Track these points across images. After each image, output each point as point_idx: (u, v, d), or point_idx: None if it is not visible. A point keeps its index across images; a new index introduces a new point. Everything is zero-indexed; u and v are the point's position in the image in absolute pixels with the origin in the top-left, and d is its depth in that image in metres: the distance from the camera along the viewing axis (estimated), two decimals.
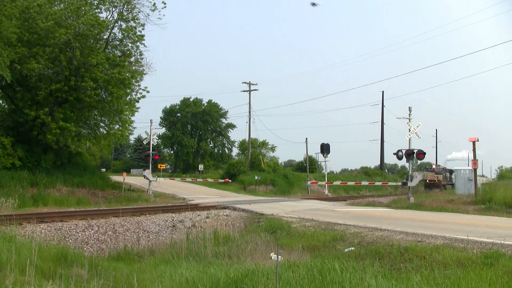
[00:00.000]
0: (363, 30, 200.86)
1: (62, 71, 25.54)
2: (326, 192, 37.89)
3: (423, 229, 12.15)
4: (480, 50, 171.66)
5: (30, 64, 23.23)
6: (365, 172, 59.51)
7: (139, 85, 28.59)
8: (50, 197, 21.41)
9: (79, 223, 14.45)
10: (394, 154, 23.57)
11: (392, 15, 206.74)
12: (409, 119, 23.01)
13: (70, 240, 13.17)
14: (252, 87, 48.23)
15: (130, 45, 27.77)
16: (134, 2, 27.08)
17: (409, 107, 23.41)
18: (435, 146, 75.31)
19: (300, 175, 47.66)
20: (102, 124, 29.82)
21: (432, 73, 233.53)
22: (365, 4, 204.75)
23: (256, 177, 39.35)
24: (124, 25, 27.32)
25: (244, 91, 48.39)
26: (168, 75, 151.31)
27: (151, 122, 30.02)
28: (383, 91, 62.60)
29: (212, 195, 31.16)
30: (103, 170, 56.21)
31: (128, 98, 28.34)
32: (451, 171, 47.54)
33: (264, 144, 67.20)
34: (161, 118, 74.01)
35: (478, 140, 21.27)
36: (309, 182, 40.31)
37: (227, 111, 76.13)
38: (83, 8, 25.40)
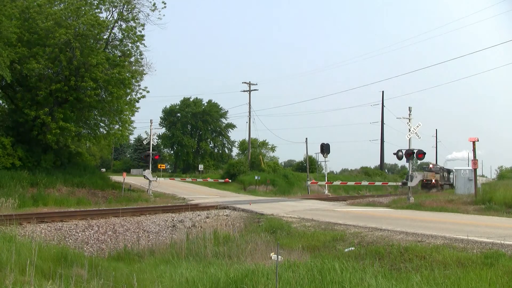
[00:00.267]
0: (363, 30, 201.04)
1: (62, 71, 25.53)
2: (326, 192, 37.89)
3: (423, 229, 12.15)
4: (480, 50, 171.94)
5: (30, 64, 23.23)
6: (365, 172, 59.50)
7: (139, 85, 28.64)
8: (50, 197, 21.41)
9: (79, 223, 14.45)
10: (394, 154, 23.58)
11: (392, 15, 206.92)
12: (409, 119, 23.00)
13: (70, 240, 13.17)
14: (252, 87, 48.27)
15: (130, 45, 27.80)
16: (134, 2, 27.11)
17: (409, 107, 23.44)
18: (435, 146, 75.42)
19: (300, 175, 47.66)
20: (102, 124, 29.83)
21: (432, 73, 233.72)
22: (365, 4, 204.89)
23: (256, 177, 39.35)
24: (124, 25, 27.34)
25: (244, 91, 48.44)
26: (168, 75, 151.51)
27: (151, 122, 30.03)
28: (383, 91, 62.68)
29: (212, 195, 31.15)
30: (103, 170, 56.20)
31: (128, 98, 28.35)
32: (449, 171, 47.11)
33: (264, 144, 67.21)
34: (161, 118, 74.11)
35: (478, 140, 21.27)
36: (309, 182, 40.31)
37: (227, 111, 76.27)
38: (83, 8, 25.39)
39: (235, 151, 76.70)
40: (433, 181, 39.14)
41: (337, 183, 42.75)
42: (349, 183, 43.50)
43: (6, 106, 28.40)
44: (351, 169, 74.40)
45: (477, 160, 21.62)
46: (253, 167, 47.02)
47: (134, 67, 28.21)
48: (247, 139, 50.79)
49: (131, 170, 65.86)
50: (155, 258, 10.90)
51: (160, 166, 46.93)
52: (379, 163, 64.78)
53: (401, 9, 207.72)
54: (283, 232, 13.30)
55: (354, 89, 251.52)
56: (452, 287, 6.48)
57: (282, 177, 44.53)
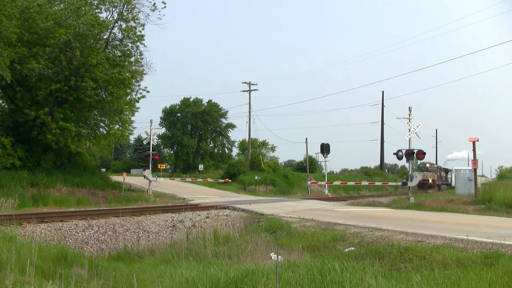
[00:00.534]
0: (363, 30, 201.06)
1: (62, 71, 25.53)
2: (326, 192, 37.87)
3: (423, 229, 12.14)
4: (480, 50, 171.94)
5: (30, 64, 23.22)
6: (365, 172, 59.49)
7: (139, 85, 28.64)
8: (50, 197, 21.41)
9: (79, 223, 14.45)
10: (394, 154, 23.57)
11: (392, 15, 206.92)
12: (409, 119, 23.00)
13: (70, 240, 13.16)
14: (252, 87, 48.27)
15: (130, 45, 27.80)
16: (134, 2, 27.10)
17: (409, 107, 23.43)
18: (435, 146, 75.46)
19: (300, 175, 47.66)
20: (102, 124, 29.83)
21: (432, 73, 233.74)
22: (365, 4, 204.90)
23: (256, 177, 39.34)
24: (124, 25, 27.34)
25: (244, 91, 48.44)
26: (168, 75, 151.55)
27: (151, 122, 30.03)
28: (383, 91, 62.68)
29: (212, 195, 31.15)
30: (103, 170, 56.20)
31: (128, 98, 28.35)
32: (447, 170, 46.71)
33: (264, 144, 67.22)
34: (161, 118, 74.12)
35: (478, 140, 21.27)
36: (309, 182, 40.30)
37: (227, 111, 76.28)
38: (83, 8, 25.39)
39: (235, 151, 76.82)
40: (430, 181, 38.61)
41: (337, 183, 42.73)
42: (349, 183, 43.49)
43: (6, 106, 28.40)
44: (351, 169, 74.44)
45: (477, 160, 21.62)
46: (253, 167, 47.02)
47: (134, 67, 28.21)
48: (247, 139, 50.81)
49: (131, 170, 65.85)
50: (155, 258, 10.90)
51: (160, 166, 46.92)
52: (379, 163, 64.79)
53: (401, 9, 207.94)
54: (283, 232, 13.30)
55: (354, 89, 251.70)
56: (452, 287, 6.48)
57: (282, 177, 44.53)
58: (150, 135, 29.65)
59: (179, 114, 73.66)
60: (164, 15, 36.25)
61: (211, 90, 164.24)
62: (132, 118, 29.78)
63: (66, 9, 25.04)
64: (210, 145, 75.88)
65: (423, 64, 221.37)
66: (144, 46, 28.19)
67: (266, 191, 38.11)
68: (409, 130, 22.66)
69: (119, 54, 27.79)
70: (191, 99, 73.75)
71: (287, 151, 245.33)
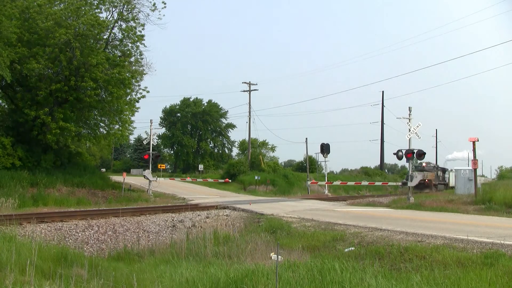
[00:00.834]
0: (363, 30, 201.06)
1: (62, 71, 25.53)
2: (326, 192, 37.87)
3: (423, 229, 12.15)
4: (480, 50, 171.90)
5: (30, 64, 23.22)
6: (365, 172, 59.47)
7: (139, 85, 28.64)
8: (50, 197, 21.40)
9: (79, 223, 14.45)
10: (394, 154, 23.57)
11: (392, 15, 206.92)
12: (409, 119, 23.00)
13: (70, 240, 13.16)
14: (252, 87, 48.27)
15: (130, 45, 27.79)
16: (134, 2, 27.10)
17: (409, 107, 23.43)
18: (435, 146, 75.45)
19: (300, 175, 47.65)
20: (102, 124, 29.83)
21: (432, 73, 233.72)
22: (365, 4, 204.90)
23: (256, 177, 39.34)
24: (124, 25, 27.34)
25: (244, 91, 48.44)
26: (168, 75, 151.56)
27: (151, 122, 30.03)
28: (383, 91, 62.66)
29: (212, 195, 31.15)
30: (103, 170, 56.19)
31: (128, 98, 28.34)
32: (444, 170, 46.26)
33: (264, 144, 67.24)
34: (161, 118, 74.15)
35: (478, 140, 21.27)
36: (309, 182, 40.29)
37: (227, 111, 76.31)
38: (83, 8, 25.39)
39: (235, 151, 76.84)
40: (426, 180, 38.18)
41: (337, 183, 42.73)
42: (349, 183, 43.48)
43: (6, 106, 28.40)
44: (351, 169, 74.44)
45: (477, 160, 21.62)
46: (253, 167, 47.02)
47: (134, 67, 28.21)
48: (247, 139, 50.81)
49: (131, 170, 65.84)
50: (155, 258, 10.90)
51: (160, 166, 46.93)
52: (379, 163, 64.78)
53: (401, 9, 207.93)
54: (283, 232, 13.30)
55: (354, 89, 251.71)
56: (452, 287, 6.48)
57: (282, 177, 44.52)
58: (150, 135, 29.64)
59: (179, 114, 73.68)
60: (164, 15, 36.31)
61: (211, 90, 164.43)
62: (132, 118, 29.84)
63: (66, 9, 25.04)
64: (210, 145, 75.89)
65: (423, 64, 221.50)
66: (144, 46, 28.25)
67: (266, 191, 38.11)
68: (409, 130, 22.66)
69: (119, 54, 27.79)
70: (191, 99, 73.82)
71: (287, 151, 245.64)
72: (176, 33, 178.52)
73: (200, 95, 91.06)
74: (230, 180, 43.07)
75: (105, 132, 29.56)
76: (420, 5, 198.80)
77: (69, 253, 9.07)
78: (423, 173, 37.96)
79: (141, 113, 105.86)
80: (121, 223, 15.45)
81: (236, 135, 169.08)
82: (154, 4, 26.96)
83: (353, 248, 10.33)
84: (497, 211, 17.36)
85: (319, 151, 39.02)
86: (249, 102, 48.14)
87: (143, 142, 43.60)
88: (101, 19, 25.94)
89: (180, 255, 10.60)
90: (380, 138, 62.54)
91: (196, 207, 20.11)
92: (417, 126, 22.79)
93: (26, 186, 21.65)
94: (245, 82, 48.14)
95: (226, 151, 77.77)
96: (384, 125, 62.04)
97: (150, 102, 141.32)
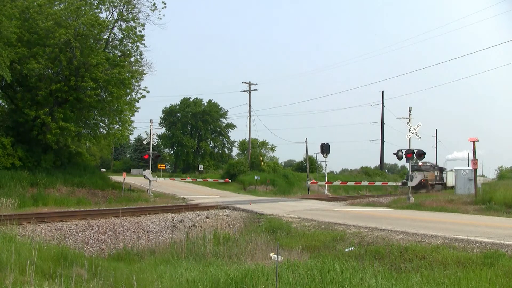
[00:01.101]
0: (363, 30, 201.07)
1: (62, 71, 25.53)
2: (326, 192, 37.87)
3: (423, 229, 12.14)
4: (480, 50, 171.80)
5: (30, 64, 23.23)
6: (365, 172, 59.46)
7: (139, 85, 28.64)
8: (50, 197, 21.40)
9: (79, 223, 14.45)
10: (394, 154, 23.57)
11: (392, 15, 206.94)
12: (409, 119, 23.00)
13: (70, 240, 13.16)
14: (252, 87, 48.28)
15: (130, 45, 27.80)
16: (134, 2, 27.11)
17: (409, 107, 23.43)
18: (435, 146, 75.45)
19: (300, 175, 47.65)
20: (102, 124, 29.83)
21: (432, 73, 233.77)
22: (365, 4, 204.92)
23: (256, 177, 39.33)
24: (124, 25, 27.34)
25: (244, 91, 48.45)
26: (168, 75, 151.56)
27: (151, 122, 30.02)
28: (383, 91, 62.63)
29: (212, 195, 31.15)
30: (103, 170, 56.19)
31: (128, 98, 28.34)
32: (441, 169, 45.88)
33: (264, 144, 67.24)
34: (161, 118, 74.15)
35: (478, 140, 21.26)
36: (309, 182, 40.29)
37: (227, 111, 76.32)
38: (83, 8, 25.39)
39: (235, 151, 76.84)
40: (422, 180, 37.89)
41: (337, 183, 42.72)
42: (349, 183, 43.47)
43: (6, 106, 28.40)
44: (351, 169, 74.41)
45: (477, 160, 21.61)
46: (253, 167, 47.02)
47: (134, 67, 28.21)
48: (247, 139, 50.81)
49: (131, 170, 65.84)
50: (155, 258, 10.90)
51: (160, 166, 46.92)
52: (379, 163, 64.77)
53: (401, 9, 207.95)
54: (283, 232, 13.30)
55: (354, 89, 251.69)
56: (452, 287, 6.48)
57: (282, 177, 44.52)
58: (150, 135, 29.64)
59: (179, 114, 73.68)
60: (164, 15, 36.29)
61: (211, 90, 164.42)
62: (132, 118, 29.85)
63: (66, 9, 25.04)
64: (210, 145, 75.90)
65: (423, 64, 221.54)
66: (144, 46, 28.26)
67: (266, 191, 38.11)
68: (409, 130, 22.66)
69: (119, 54, 27.79)
70: (191, 99, 73.82)
71: (287, 151, 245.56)
72: (176, 33, 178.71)
73: (200, 95, 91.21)
74: (230, 180, 43.07)
75: (105, 132, 29.56)
76: (420, 5, 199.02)
77: (69, 253, 9.07)
78: (422, 173, 37.72)
79: (141, 113, 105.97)
80: (121, 223, 15.45)
81: (236, 135, 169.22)
82: (154, 4, 27.01)
83: (353, 248, 10.33)
84: (497, 211, 17.36)
85: (319, 151, 39.04)
86: (249, 102, 48.20)
87: (143, 142, 43.60)
88: (101, 19, 25.94)
89: (180, 255, 10.60)
90: (380, 138, 62.59)
91: (196, 207, 20.11)
92: (417, 126, 22.79)
93: (26, 186, 21.65)
94: (245, 82, 48.20)
95: (226, 151, 77.82)
96: (384, 125, 62.11)
97: (150, 102, 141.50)
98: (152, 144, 29.56)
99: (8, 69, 21.75)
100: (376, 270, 7.52)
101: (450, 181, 41.83)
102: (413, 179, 22.97)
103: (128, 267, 9.53)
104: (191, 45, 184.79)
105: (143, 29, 27.27)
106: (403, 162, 48.82)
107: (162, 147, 73.60)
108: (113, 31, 27.58)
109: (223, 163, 70.11)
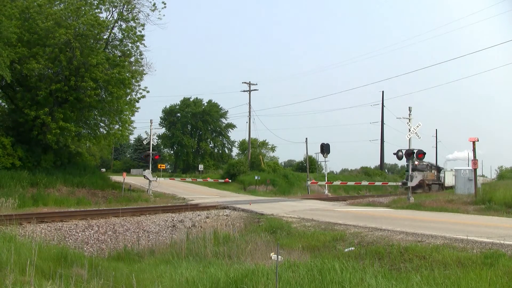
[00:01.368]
0: (363, 30, 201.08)
1: (62, 71, 25.53)
2: (326, 192, 37.86)
3: (423, 229, 12.14)
4: (480, 50, 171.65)
5: (30, 64, 23.23)
6: (365, 172, 59.45)
7: (139, 85, 28.63)
8: (50, 197, 21.42)
9: (79, 223, 14.45)
10: (394, 154, 23.57)
11: (392, 15, 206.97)
12: (409, 119, 23.01)
13: (70, 240, 13.17)
14: (252, 87, 48.30)
15: (130, 45, 27.80)
16: (134, 2, 27.13)
17: (409, 107, 23.44)
18: (435, 146, 75.45)
19: (300, 175, 47.66)
20: (102, 124, 29.81)
21: (432, 73, 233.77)
22: (365, 4, 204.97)
23: (256, 177, 39.35)
24: (124, 25, 27.36)
25: (244, 91, 48.49)
26: (168, 75, 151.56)
27: (151, 122, 30.04)
28: (383, 91, 62.58)
29: (212, 195, 31.15)
30: (103, 170, 56.19)
31: (128, 98, 28.33)
32: (439, 169, 45.50)
33: (264, 144, 67.26)
34: (161, 118, 74.18)
35: (478, 140, 21.26)
36: (309, 182, 40.29)
37: (227, 111, 76.35)
38: (83, 8, 25.40)
39: (235, 151, 76.88)
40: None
41: (337, 183, 42.72)
42: (349, 183, 43.47)
43: (6, 106, 28.40)
44: (351, 169, 74.40)
45: (477, 160, 21.61)
46: (253, 167, 47.03)
47: (134, 67, 28.21)
48: (247, 139, 50.84)
49: (131, 170, 65.87)
50: (155, 258, 10.90)
51: (160, 166, 46.90)
52: (379, 163, 64.75)
53: (401, 9, 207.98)
54: (283, 232, 13.30)
55: (354, 89, 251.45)
56: (452, 287, 6.47)
57: (282, 177, 44.53)
58: (150, 135, 29.66)
59: (179, 114, 73.70)
60: (164, 15, 36.31)
61: (211, 90, 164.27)
62: (132, 118, 29.84)
63: (66, 9, 25.05)
64: (210, 145, 75.90)
65: (423, 64, 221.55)
66: (144, 46, 28.28)
67: (266, 191, 38.11)
68: (409, 130, 22.66)
69: (119, 54, 27.79)
70: (191, 99, 73.84)
71: (287, 151, 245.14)
72: (176, 33, 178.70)
73: (200, 95, 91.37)
74: (230, 180, 43.08)
75: (105, 132, 29.55)
76: (420, 5, 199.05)
77: (69, 253, 9.07)
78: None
79: (141, 113, 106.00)
80: (121, 223, 15.45)
81: (236, 135, 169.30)
82: (154, 4, 27.03)
83: (353, 248, 10.33)
84: (497, 211, 17.36)
85: (319, 151, 39.04)
86: (249, 102, 48.23)
87: (143, 142, 43.60)
88: (101, 19, 25.95)
89: (180, 255, 10.60)
90: (380, 138, 62.55)
91: (196, 207, 20.11)
92: (417, 126, 22.79)
93: (26, 186, 21.66)
94: (245, 82, 48.22)
95: (226, 151, 77.82)
96: (384, 125, 62.06)
97: (150, 102, 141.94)
98: (152, 144, 29.58)
99: (8, 69, 21.75)
100: (376, 270, 7.52)
101: (448, 181, 41.62)
102: (413, 179, 22.98)
103: (128, 267, 9.52)
104: (191, 45, 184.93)
105: (143, 29, 27.34)
106: (403, 162, 48.72)
107: (162, 147, 73.62)
108: (113, 31, 27.63)
109: (223, 163, 70.11)
